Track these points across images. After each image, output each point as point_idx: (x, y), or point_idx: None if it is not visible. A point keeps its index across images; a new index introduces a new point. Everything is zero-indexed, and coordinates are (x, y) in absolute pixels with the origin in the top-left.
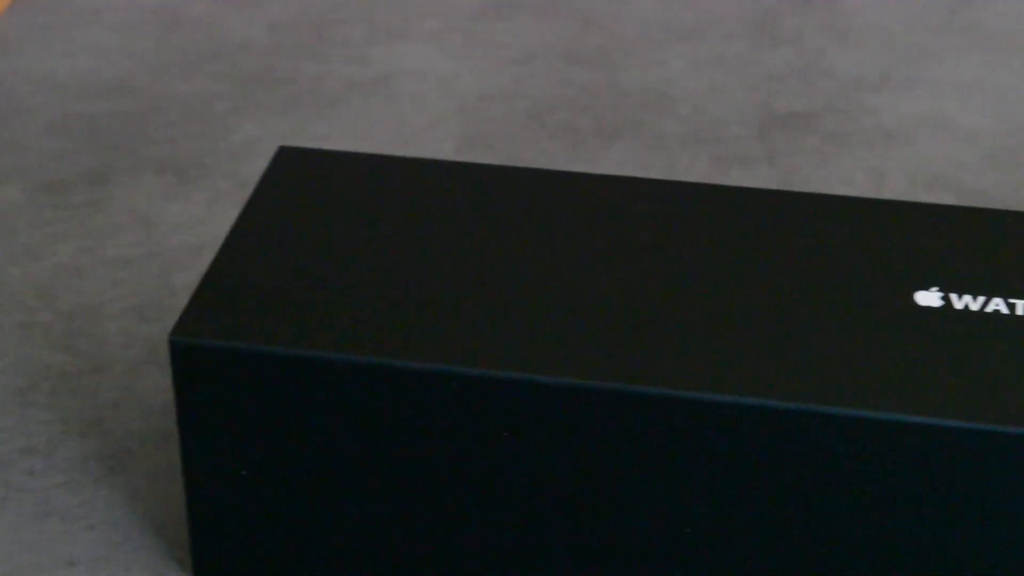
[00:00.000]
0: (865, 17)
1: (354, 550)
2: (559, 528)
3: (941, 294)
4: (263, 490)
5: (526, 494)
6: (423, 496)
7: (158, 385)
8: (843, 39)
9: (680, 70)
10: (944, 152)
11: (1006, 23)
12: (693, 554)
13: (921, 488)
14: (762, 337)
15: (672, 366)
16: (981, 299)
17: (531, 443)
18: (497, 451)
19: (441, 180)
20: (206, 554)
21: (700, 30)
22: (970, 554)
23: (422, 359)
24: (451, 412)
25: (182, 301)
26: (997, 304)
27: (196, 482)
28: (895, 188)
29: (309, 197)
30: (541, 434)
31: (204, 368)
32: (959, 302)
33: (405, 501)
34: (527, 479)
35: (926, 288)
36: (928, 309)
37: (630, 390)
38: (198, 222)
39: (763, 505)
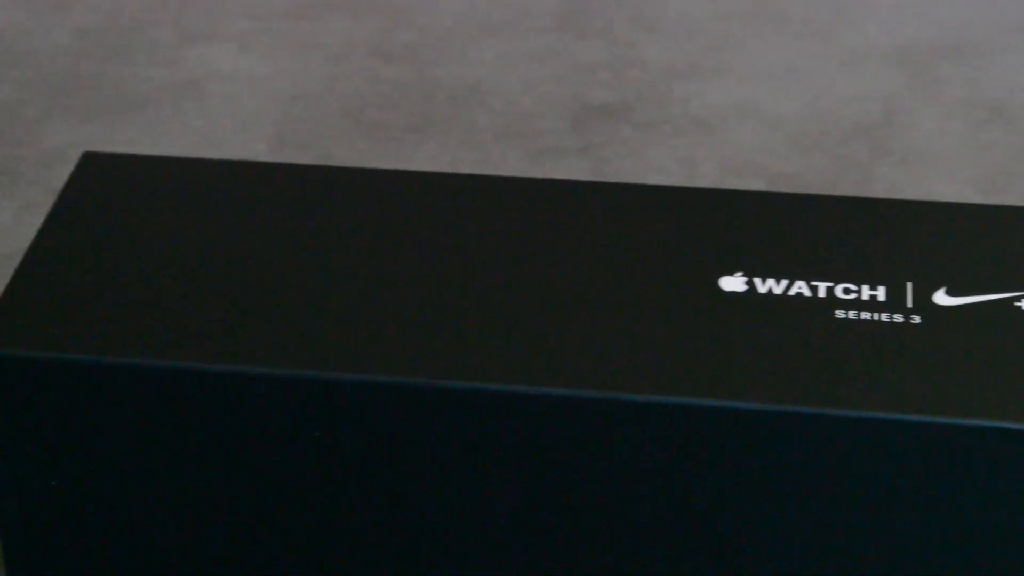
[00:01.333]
0: (674, 7)
1: (166, 563)
2: (373, 526)
3: (745, 279)
4: (74, 500)
5: (346, 495)
6: (236, 505)
7: None
8: (653, 29)
9: (492, 64)
10: (753, 139)
11: (810, 11)
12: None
13: (728, 473)
14: (569, 328)
15: (483, 359)
16: (784, 282)
17: (344, 442)
18: (321, 453)
19: (251, 181)
20: (18, 566)
21: (511, 23)
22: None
23: (228, 362)
24: (264, 416)
25: None
26: (800, 287)
27: (4, 492)
28: (706, 175)
29: (115, 202)
30: (352, 433)
31: (8, 378)
32: (763, 286)
33: (215, 511)
34: (344, 480)
35: (731, 274)
36: (733, 294)
37: (435, 385)
38: (7, 232)
39: (558, 498)
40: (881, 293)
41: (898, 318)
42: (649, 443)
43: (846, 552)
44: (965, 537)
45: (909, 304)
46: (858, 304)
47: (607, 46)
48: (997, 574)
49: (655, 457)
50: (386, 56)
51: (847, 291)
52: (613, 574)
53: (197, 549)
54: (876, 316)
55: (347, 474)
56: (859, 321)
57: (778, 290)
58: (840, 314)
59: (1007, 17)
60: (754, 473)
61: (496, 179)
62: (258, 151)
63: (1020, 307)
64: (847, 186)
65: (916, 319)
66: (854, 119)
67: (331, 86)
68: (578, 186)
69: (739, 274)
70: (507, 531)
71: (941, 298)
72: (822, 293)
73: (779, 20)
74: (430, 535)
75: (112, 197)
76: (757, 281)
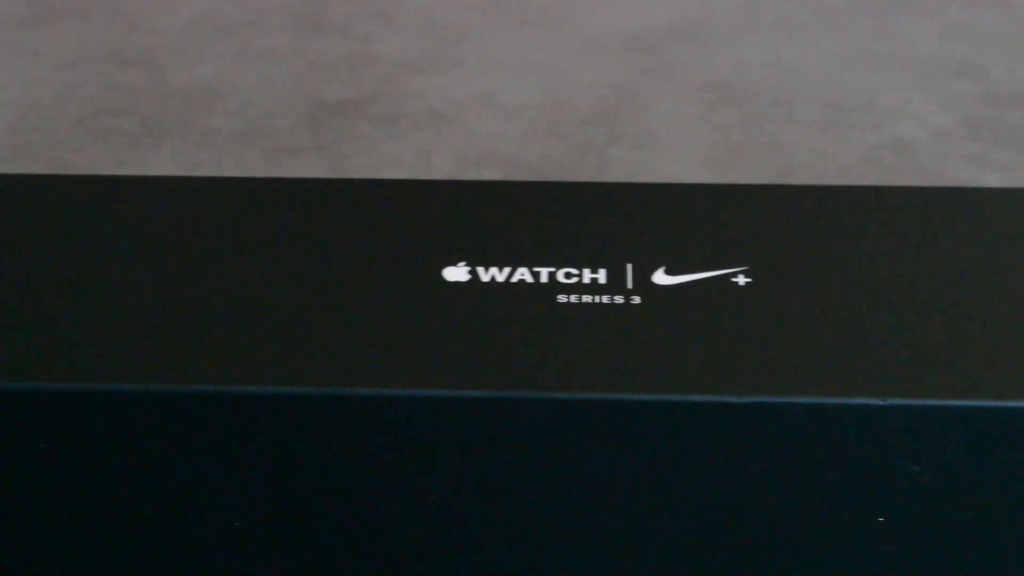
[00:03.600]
0: (411, 1)
1: None
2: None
3: (468, 269)
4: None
5: (213, 512)
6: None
7: None
8: (389, 24)
9: (228, 66)
10: (491, 129)
11: (545, 0)
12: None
13: (452, 463)
14: (298, 327)
15: (217, 363)
16: (507, 270)
17: (204, 458)
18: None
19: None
20: None
21: (248, 24)
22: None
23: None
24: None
25: None
26: (522, 274)
27: None
28: (443, 168)
29: None
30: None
31: None
32: (486, 275)
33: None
34: (311, 495)
35: (454, 264)
36: (456, 284)
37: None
38: None
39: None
40: (602, 276)
41: (619, 299)
42: (382, 437)
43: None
44: (699, 515)
45: (629, 285)
46: (579, 288)
47: (344, 43)
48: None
49: (382, 453)
50: (122, 62)
51: (568, 275)
52: None
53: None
54: (597, 299)
55: (308, 490)
56: (580, 304)
57: (501, 278)
58: (562, 298)
59: (736, 0)
60: (487, 462)
61: (232, 180)
62: None
63: (737, 282)
64: (585, 172)
65: (636, 300)
66: (590, 105)
67: (65, 94)
68: (314, 183)
69: (462, 264)
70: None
71: (660, 278)
72: (544, 279)
73: (515, 10)
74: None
75: None
76: (480, 270)
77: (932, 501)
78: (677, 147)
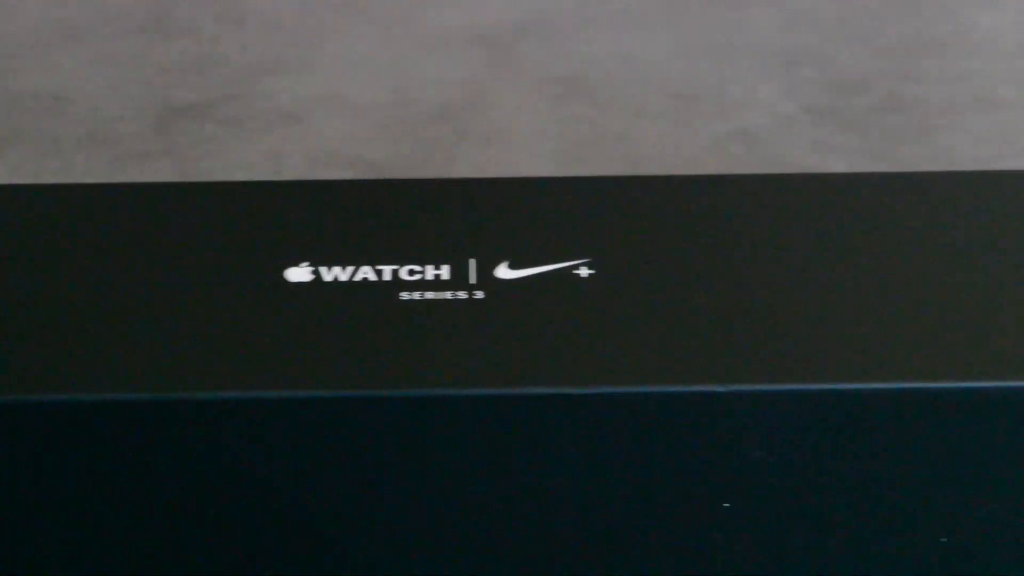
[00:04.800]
0: (258, 3)
1: None
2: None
3: (311, 269)
4: None
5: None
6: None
7: None
8: (238, 25)
9: (73, 71)
10: (341, 129)
11: (402, 1)
12: None
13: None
14: (137, 331)
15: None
16: (350, 269)
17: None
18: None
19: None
20: None
21: (92, 28)
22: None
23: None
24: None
25: None
26: (365, 272)
27: None
28: (293, 168)
29: None
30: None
31: None
32: (328, 274)
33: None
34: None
35: (296, 265)
36: (299, 285)
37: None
38: None
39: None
40: (445, 272)
41: (462, 295)
42: (224, 441)
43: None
44: (540, 509)
45: (472, 280)
46: (422, 284)
47: (192, 45)
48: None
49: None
50: None
51: (412, 272)
52: None
53: None
54: (440, 295)
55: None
56: (423, 301)
57: (344, 277)
58: (405, 295)
59: None
60: (331, 461)
61: (73, 187)
62: None
63: (579, 274)
64: (434, 169)
65: (479, 294)
66: (438, 102)
67: None
68: (159, 187)
69: (304, 264)
70: None
71: (503, 272)
72: (387, 276)
73: (362, 10)
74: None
75: None
76: (323, 270)
77: (776, 486)
78: (525, 142)
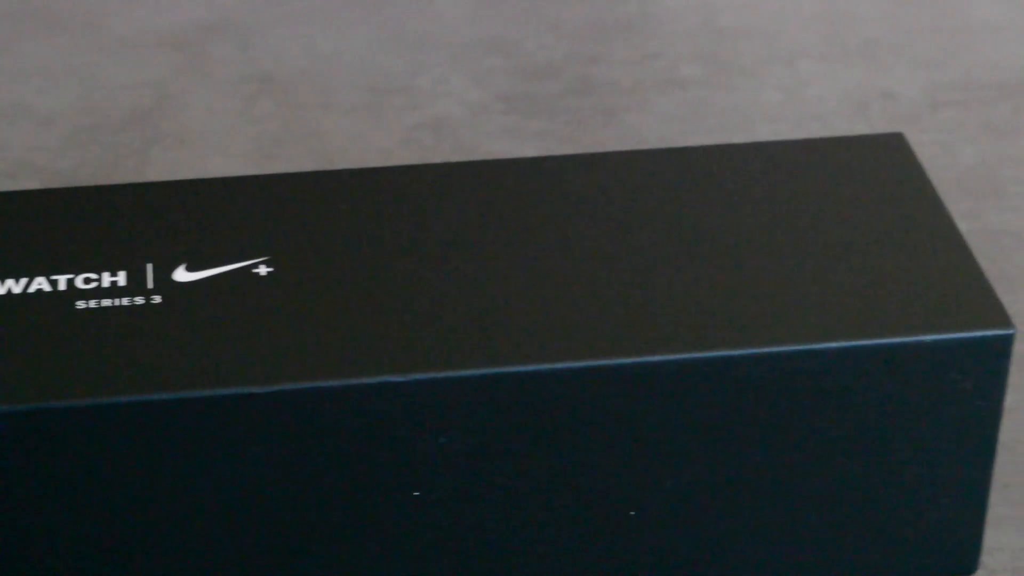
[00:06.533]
0: None
1: None
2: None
3: None
4: None
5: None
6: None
7: None
8: None
9: None
10: (25, 139)
11: (76, 4)
12: None
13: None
14: None
15: None
16: (24, 280)
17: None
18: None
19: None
20: None
21: None
22: None
23: None
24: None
25: None
26: (40, 283)
27: None
28: None
29: None
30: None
31: None
32: (2, 287)
33: None
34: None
35: None
36: None
37: None
38: None
39: None
40: (122, 278)
41: (139, 300)
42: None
43: None
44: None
45: (150, 285)
46: (99, 292)
47: None
48: None
49: None
50: None
51: (88, 281)
52: None
53: None
54: (117, 302)
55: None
56: (100, 309)
57: (17, 289)
58: (81, 304)
59: None
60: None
61: None
62: None
63: (258, 273)
64: (124, 175)
65: (157, 299)
66: (127, 107)
67: None
68: None
69: None
70: None
71: (181, 275)
72: (63, 286)
73: (43, 16)
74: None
75: None
76: None
77: (463, 471)
78: (217, 143)
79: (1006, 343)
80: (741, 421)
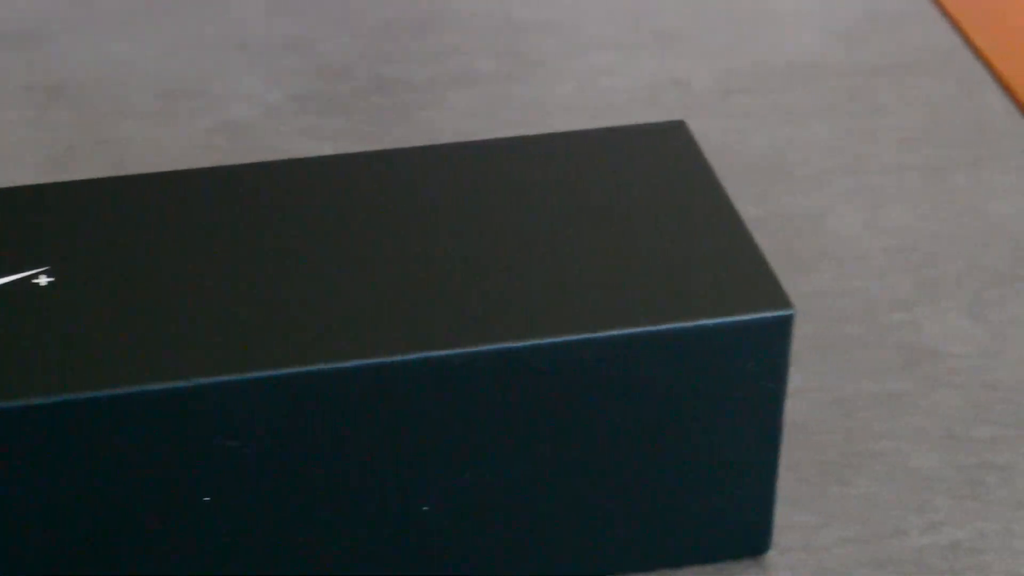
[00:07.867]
0: None
1: None
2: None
3: None
4: None
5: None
6: None
7: None
8: None
9: None
10: None
11: None
12: None
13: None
14: None
15: None
16: None
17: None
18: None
19: None
20: None
21: None
22: None
23: None
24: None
25: None
26: None
27: None
28: None
29: None
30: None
31: None
32: None
33: None
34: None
35: None
36: None
37: None
38: None
39: None
40: None
41: None
42: None
43: None
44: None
45: None
46: None
47: None
48: None
49: None
50: None
51: None
52: None
53: None
54: None
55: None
56: None
57: None
58: None
59: (61, 1)
60: None
61: None
62: None
63: (38, 283)
64: None
65: None
66: None
67: None
68: None
69: None
70: None
71: None
72: None
73: None
74: None
75: None
76: None
77: (254, 473)
78: (10, 152)
79: (786, 324)
80: (529, 412)
